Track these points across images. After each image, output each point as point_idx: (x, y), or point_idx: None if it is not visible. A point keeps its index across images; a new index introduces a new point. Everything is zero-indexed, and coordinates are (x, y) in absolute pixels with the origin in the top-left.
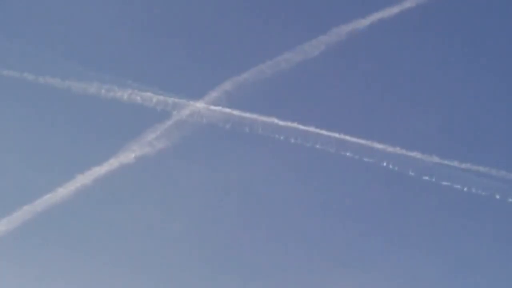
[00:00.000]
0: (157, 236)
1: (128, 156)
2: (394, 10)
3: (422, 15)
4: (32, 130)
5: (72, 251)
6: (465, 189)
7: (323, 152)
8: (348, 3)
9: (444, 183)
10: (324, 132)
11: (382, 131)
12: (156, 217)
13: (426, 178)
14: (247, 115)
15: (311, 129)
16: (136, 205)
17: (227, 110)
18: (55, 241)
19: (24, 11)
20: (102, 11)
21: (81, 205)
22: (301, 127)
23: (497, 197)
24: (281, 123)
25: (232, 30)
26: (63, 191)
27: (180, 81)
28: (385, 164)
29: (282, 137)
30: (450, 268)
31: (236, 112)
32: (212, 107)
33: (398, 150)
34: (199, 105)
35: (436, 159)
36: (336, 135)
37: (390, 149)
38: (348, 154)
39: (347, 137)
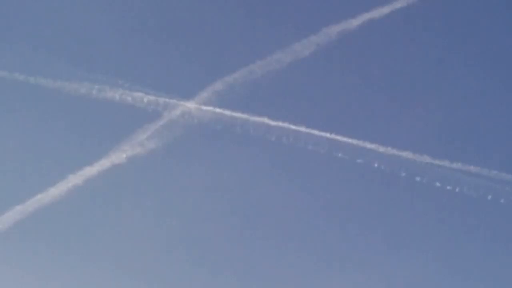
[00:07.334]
0: (149, 236)
1: (119, 156)
2: (385, 10)
3: (413, 15)
4: (23, 131)
5: (64, 251)
6: (457, 189)
7: (314, 153)
8: (338, 3)
9: (436, 183)
10: (315, 132)
11: (374, 131)
12: (147, 218)
13: (418, 178)
14: (238, 115)
15: (302, 129)
16: (128, 205)
17: (218, 110)
18: (47, 241)
19: (15, 11)
20: (93, 11)
21: (72, 205)
22: (293, 127)
23: (489, 197)
24: (273, 123)
25: (222, 30)
26: (55, 191)
27: (171, 81)
28: (376, 164)
29: (273, 137)
30: (442, 268)
31: (227, 112)
32: (203, 107)
33: (389, 150)
34: (190, 105)
35: (427, 159)
36: (328, 135)
37: (381, 149)
38: (339, 154)
39: (339, 137)
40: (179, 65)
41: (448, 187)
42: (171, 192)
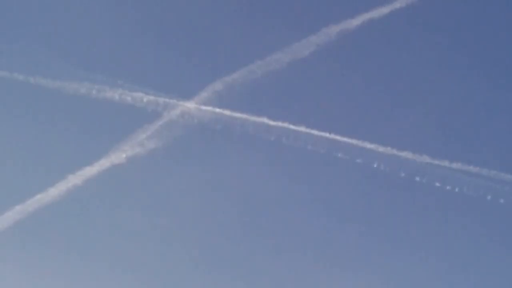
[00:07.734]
0: (149, 236)
1: (119, 156)
2: (385, 10)
3: (413, 15)
4: (23, 130)
5: (63, 251)
6: (457, 189)
7: (314, 153)
8: (338, 3)
9: (436, 183)
10: (315, 132)
11: (374, 131)
12: (147, 217)
13: (418, 178)
14: (238, 115)
15: (302, 129)
16: (127, 205)
17: (218, 110)
18: (46, 241)
19: (14, 11)
20: (93, 11)
21: (72, 205)
22: (292, 127)
23: (489, 197)
24: (272, 123)
25: (222, 30)
26: (54, 191)
27: (170, 81)
28: (376, 164)
29: (273, 137)
30: (442, 268)
31: (226, 112)
32: (203, 107)
33: (389, 150)
34: (190, 105)
35: (427, 159)
36: (327, 135)
37: (381, 149)
38: (339, 154)
39: (338, 137)
40: (179, 65)
41: (448, 187)
42: (171, 192)
